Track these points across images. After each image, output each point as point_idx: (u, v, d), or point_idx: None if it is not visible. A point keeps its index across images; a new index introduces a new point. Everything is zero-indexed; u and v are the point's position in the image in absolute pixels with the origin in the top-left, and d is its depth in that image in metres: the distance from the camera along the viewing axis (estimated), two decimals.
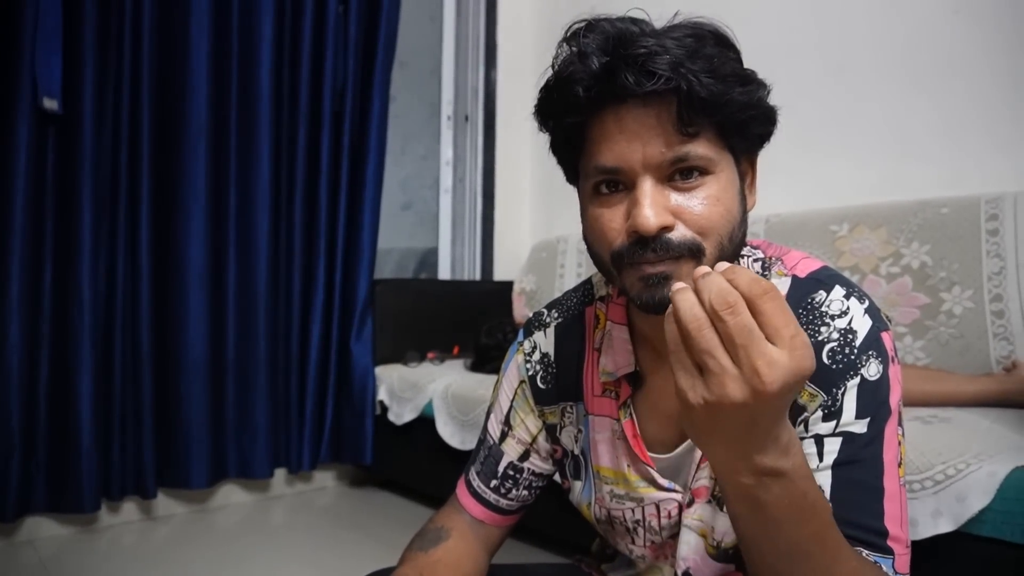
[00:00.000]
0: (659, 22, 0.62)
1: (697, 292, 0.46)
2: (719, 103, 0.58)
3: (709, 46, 0.59)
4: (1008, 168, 1.67)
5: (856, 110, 1.94)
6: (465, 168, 2.91)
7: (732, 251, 0.63)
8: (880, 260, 1.71)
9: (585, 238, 0.67)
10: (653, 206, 0.58)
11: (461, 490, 0.85)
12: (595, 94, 0.59)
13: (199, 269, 2.06)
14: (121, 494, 1.96)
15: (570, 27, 0.62)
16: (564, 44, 0.62)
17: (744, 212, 0.65)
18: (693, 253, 0.60)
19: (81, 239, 1.85)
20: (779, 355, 0.44)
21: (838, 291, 0.66)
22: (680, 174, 0.60)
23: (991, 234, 1.56)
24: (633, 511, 0.74)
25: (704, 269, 0.47)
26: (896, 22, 1.87)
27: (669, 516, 0.72)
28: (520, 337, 0.85)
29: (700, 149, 0.59)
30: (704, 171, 0.60)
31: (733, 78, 0.59)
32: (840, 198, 1.90)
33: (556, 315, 0.83)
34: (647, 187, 0.59)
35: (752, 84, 0.61)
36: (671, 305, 0.48)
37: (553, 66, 0.62)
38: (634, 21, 0.60)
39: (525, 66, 2.89)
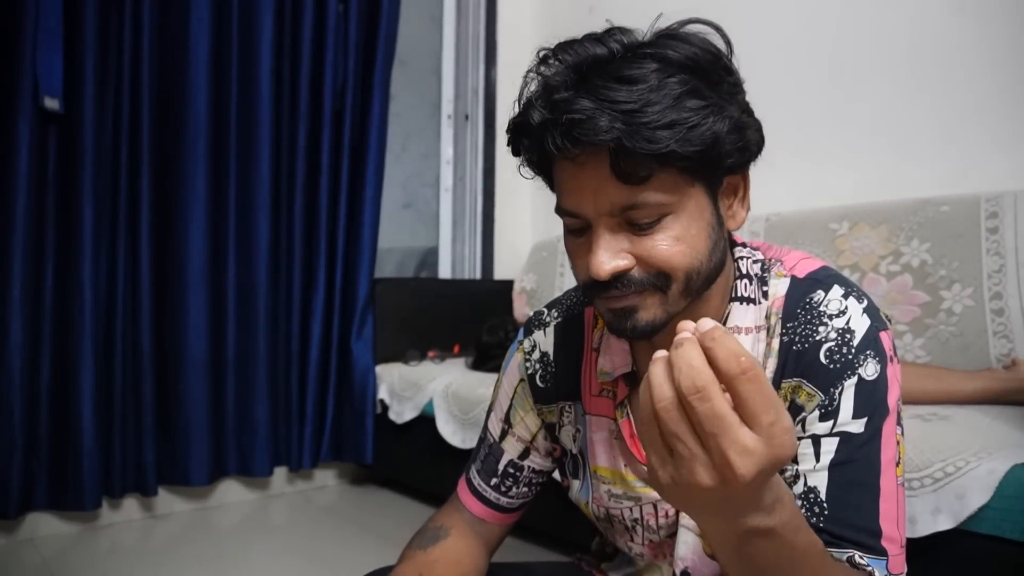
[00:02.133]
0: (650, 18, 0.61)
1: (671, 365, 0.43)
2: (665, 155, 0.56)
3: (672, 82, 0.56)
4: (1008, 166, 1.67)
5: (856, 109, 1.94)
6: (465, 167, 2.91)
7: (705, 280, 0.63)
8: (880, 258, 1.71)
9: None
10: (606, 252, 0.59)
11: (462, 488, 0.85)
12: (542, 146, 0.60)
13: (199, 268, 2.07)
14: (122, 491, 1.96)
15: (539, 51, 0.62)
16: (532, 73, 0.63)
17: (717, 239, 0.63)
18: (657, 287, 0.61)
19: (82, 238, 1.85)
20: (754, 443, 0.41)
21: (836, 291, 0.66)
22: (637, 216, 0.59)
23: (991, 232, 1.56)
24: (631, 510, 0.74)
25: (684, 334, 0.42)
26: (897, 21, 1.86)
27: (667, 516, 0.72)
28: (520, 336, 0.85)
29: (653, 196, 0.58)
30: (662, 213, 0.59)
31: (689, 123, 0.56)
32: (840, 197, 1.90)
33: (556, 315, 0.83)
34: (600, 233, 0.60)
35: (713, 120, 0.57)
36: (647, 374, 0.44)
37: (520, 97, 0.63)
38: (605, 40, 0.59)
39: (525, 65, 2.85)
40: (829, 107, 1.99)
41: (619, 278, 0.60)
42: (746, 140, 0.61)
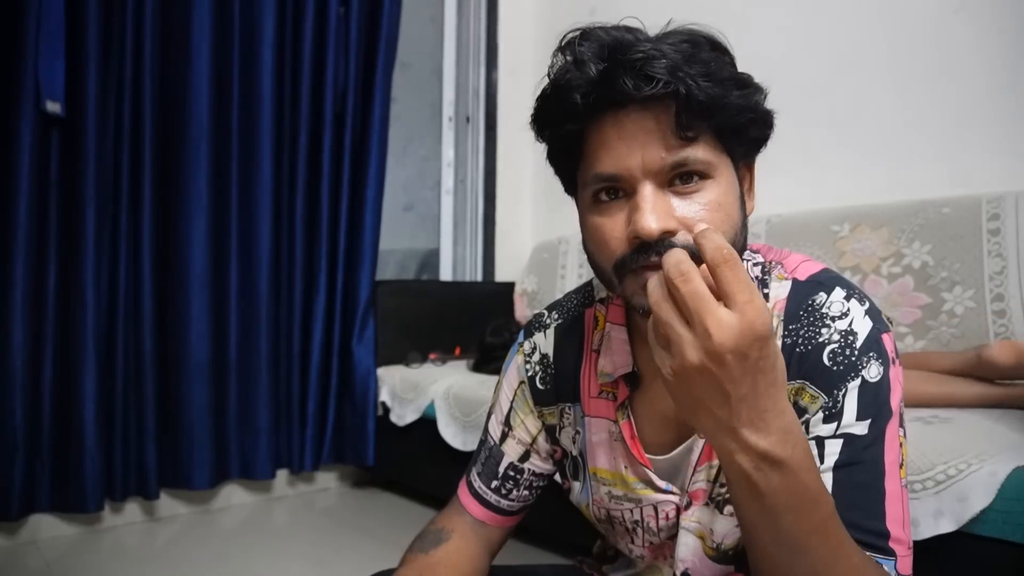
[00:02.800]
0: (655, 28, 0.62)
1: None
2: (717, 106, 0.58)
3: (704, 51, 0.59)
4: (1009, 168, 1.67)
5: (857, 110, 1.94)
6: (466, 169, 2.92)
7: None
8: (881, 260, 1.71)
9: (586, 247, 0.67)
10: (655, 211, 0.58)
11: (462, 491, 0.85)
12: (593, 101, 0.59)
13: (201, 270, 2.07)
14: (124, 494, 1.96)
15: (564, 36, 0.62)
16: (559, 53, 0.62)
17: (744, 217, 0.65)
18: (696, 257, 0.60)
19: (84, 241, 1.86)
20: (729, 316, 0.46)
21: (838, 293, 0.66)
22: (680, 179, 0.60)
23: (992, 234, 1.56)
24: (632, 512, 0.74)
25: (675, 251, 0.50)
26: (897, 22, 1.87)
27: (667, 518, 0.72)
28: (521, 338, 0.85)
29: (699, 153, 0.59)
30: (704, 175, 0.60)
31: (730, 81, 0.59)
32: (841, 198, 1.90)
33: (556, 316, 0.83)
34: (647, 192, 0.59)
35: (749, 88, 0.61)
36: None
37: (549, 75, 0.62)
38: (628, 29, 0.60)
39: (526, 67, 2.89)
40: (829, 109, 1.99)
41: (660, 244, 0.58)
42: (770, 118, 0.64)
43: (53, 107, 1.80)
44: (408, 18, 2.59)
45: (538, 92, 0.64)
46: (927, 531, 0.98)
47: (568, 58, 0.60)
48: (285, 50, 2.26)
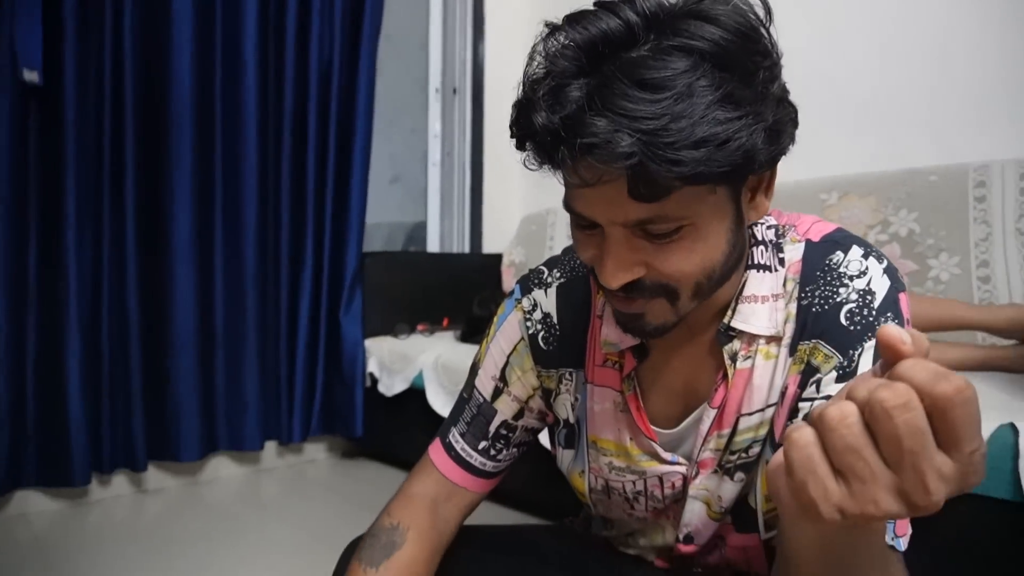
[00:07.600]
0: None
1: (850, 391, 0.36)
2: (688, 176, 0.50)
3: (702, 86, 0.50)
4: (995, 137, 1.67)
5: (845, 80, 1.93)
6: (453, 141, 2.89)
7: (719, 279, 0.61)
8: (869, 228, 1.72)
9: None
10: (617, 264, 0.56)
11: (438, 454, 0.80)
12: (550, 156, 0.54)
13: (186, 242, 2.05)
14: (112, 467, 1.96)
15: (545, 24, 0.56)
16: (535, 52, 0.56)
17: (736, 239, 0.60)
18: (666, 293, 0.58)
19: (66, 213, 1.83)
20: (951, 469, 0.34)
21: (856, 251, 0.65)
22: (654, 229, 0.55)
23: (978, 201, 1.57)
24: (634, 483, 0.73)
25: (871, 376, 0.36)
26: None
27: (673, 487, 0.72)
28: (518, 294, 0.80)
29: (672, 210, 0.53)
30: (681, 225, 0.55)
31: (719, 139, 0.50)
32: (830, 168, 1.90)
33: (558, 275, 0.79)
34: (612, 243, 0.56)
35: (747, 134, 0.51)
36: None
37: (524, 80, 0.56)
38: (617, 10, 0.52)
39: (514, 37, 2.86)
40: (818, 79, 1.97)
41: (630, 287, 0.57)
42: (781, 144, 0.57)
43: (30, 76, 1.76)
44: None
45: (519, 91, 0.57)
46: None
47: (538, 61, 0.55)
48: (269, 20, 2.22)
